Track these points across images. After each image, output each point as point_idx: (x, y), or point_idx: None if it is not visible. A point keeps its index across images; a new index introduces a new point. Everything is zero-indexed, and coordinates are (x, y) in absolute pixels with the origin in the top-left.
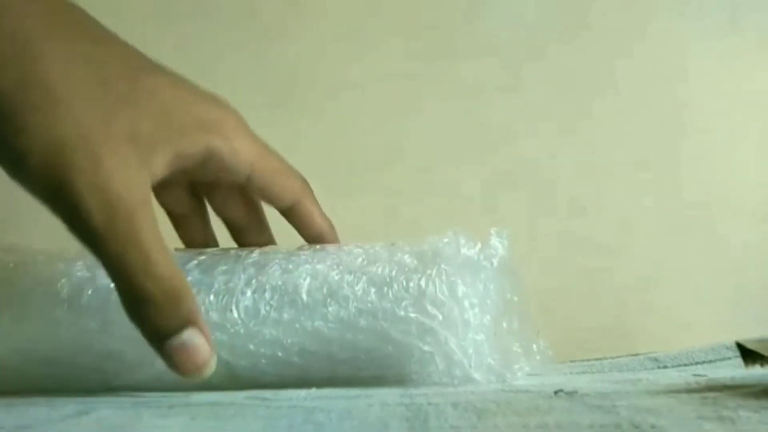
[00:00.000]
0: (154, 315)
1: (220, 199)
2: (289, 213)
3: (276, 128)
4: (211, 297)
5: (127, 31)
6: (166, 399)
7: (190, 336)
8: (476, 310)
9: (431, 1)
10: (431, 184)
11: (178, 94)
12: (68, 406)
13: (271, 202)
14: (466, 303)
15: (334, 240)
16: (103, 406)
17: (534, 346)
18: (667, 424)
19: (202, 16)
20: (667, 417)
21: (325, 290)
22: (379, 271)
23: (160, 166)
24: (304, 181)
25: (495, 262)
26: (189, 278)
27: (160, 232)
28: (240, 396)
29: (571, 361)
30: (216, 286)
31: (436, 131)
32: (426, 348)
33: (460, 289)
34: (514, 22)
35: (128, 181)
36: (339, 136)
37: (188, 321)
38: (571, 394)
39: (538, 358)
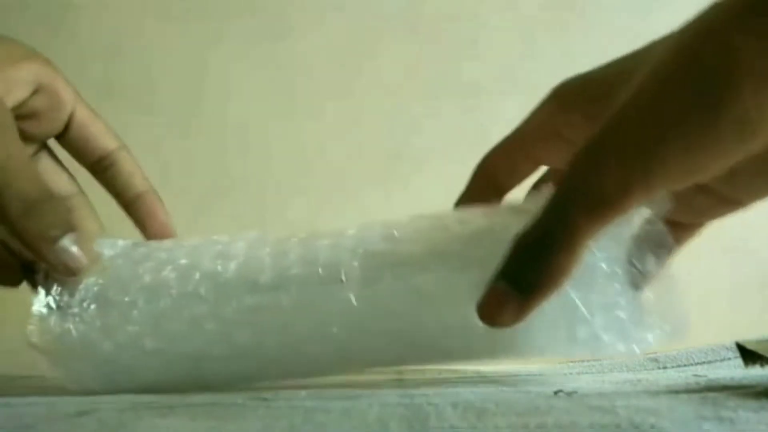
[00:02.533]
0: (29, 222)
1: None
2: (105, 163)
3: (279, 126)
4: (319, 269)
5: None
6: (166, 399)
7: (66, 242)
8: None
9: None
10: (429, 182)
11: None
12: (68, 405)
13: (91, 146)
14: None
15: (156, 199)
16: (103, 406)
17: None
18: (666, 424)
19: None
20: (667, 417)
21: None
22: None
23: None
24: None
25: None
26: (292, 256)
27: (25, 153)
28: (240, 396)
29: (571, 361)
30: (321, 259)
31: (438, 131)
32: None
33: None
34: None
35: None
36: (340, 136)
37: (63, 227)
38: (570, 394)
39: (668, 328)
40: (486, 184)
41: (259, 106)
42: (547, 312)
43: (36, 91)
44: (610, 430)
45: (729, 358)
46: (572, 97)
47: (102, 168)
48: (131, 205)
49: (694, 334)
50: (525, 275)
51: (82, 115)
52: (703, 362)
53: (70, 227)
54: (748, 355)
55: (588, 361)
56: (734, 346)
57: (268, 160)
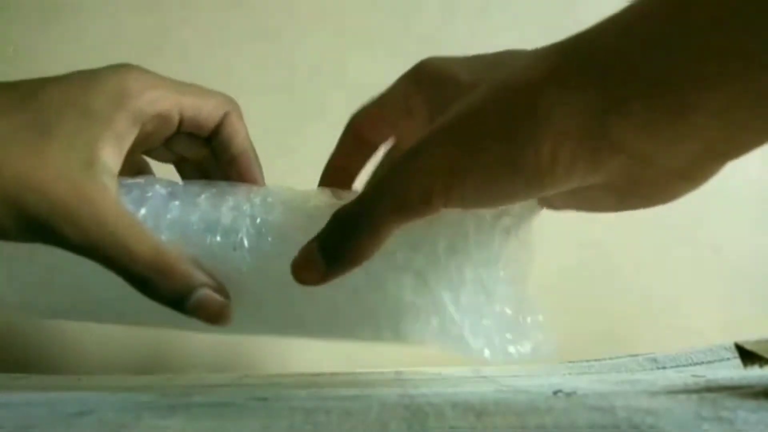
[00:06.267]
0: (159, 290)
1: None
2: (215, 133)
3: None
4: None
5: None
6: (166, 399)
7: (198, 295)
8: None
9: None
10: None
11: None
12: (68, 405)
13: (203, 124)
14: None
15: (256, 165)
16: (103, 406)
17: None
18: (665, 424)
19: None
20: (666, 417)
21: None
22: None
23: (108, 154)
24: (230, 98)
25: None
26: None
27: (130, 216)
28: (240, 396)
29: (570, 362)
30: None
31: None
32: (418, 301)
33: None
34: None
35: (75, 189)
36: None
37: (187, 284)
38: (569, 394)
39: (528, 346)
40: (356, 141)
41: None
42: (416, 304)
43: (153, 124)
44: (609, 431)
45: (728, 359)
46: (427, 79)
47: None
48: (228, 167)
49: (691, 334)
50: (332, 245)
51: (186, 106)
52: (702, 362)
53: (198, 280)
54: (747, 355)
55: (588, 361)
56: (733, 347)
57: None
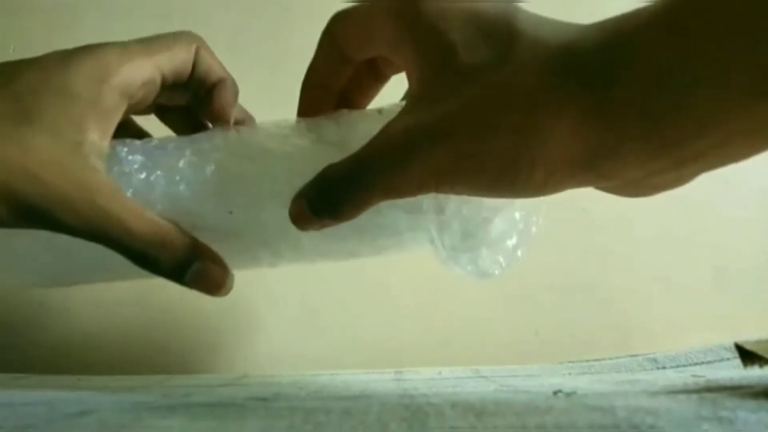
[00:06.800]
0: (159, 265)
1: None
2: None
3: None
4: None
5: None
6: (166, 399)
7: (197, 266)
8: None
9: None
10: None
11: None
12: (69, 405)
13: (181, 72)
14: None
15: (234, 90)
16: (103, 406)
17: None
18: (665, 424)
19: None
20: (666, 417)
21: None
22: None
23: (96, 134)
24: (193, 34)
25: None
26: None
27: (123, 194)
28: (240, 396)
29: (570, 362)
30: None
31: None
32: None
33: None
34: None
35: (68, 174)
36: None
37: (187, 255)
38: (569, 394)
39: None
40: (336, 52)
41: None
42: (412, 228)
43: (141, 91)
44: (609, 431)
45: (728, 359)
46: (422, 36)
47: None
48: (209, 99)
49: (692, 335)
50: (320, 207)
51: (164, 65)
52: (702, 362)
53: (195, 254)
54: (747, 355)
55: (588, 361)
56: (733, 347)
57: None
